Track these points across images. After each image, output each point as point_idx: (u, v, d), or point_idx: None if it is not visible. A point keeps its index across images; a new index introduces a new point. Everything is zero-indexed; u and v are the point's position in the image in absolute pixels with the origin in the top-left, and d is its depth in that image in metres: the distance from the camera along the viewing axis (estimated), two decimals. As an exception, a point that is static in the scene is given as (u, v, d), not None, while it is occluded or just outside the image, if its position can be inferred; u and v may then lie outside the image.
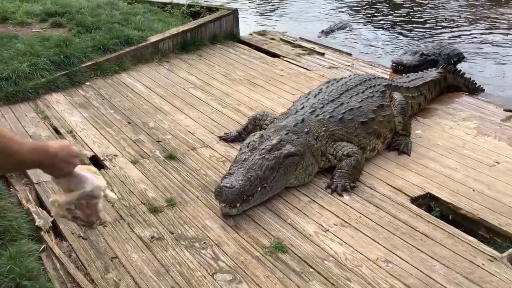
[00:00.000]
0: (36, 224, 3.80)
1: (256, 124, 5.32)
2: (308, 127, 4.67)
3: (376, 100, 5.21)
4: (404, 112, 5.43)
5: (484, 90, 7.39)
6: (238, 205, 3.92)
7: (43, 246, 3.58)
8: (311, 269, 3.49)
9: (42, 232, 3.74)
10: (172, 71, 7.52)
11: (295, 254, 3.63)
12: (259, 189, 4.05)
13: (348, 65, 7.89)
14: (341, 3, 13.99)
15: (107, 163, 4.80)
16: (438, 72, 6.61)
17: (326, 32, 10.94)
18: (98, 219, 2.14)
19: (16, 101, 5.92)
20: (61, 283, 3.29)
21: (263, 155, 4.22)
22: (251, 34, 9.59)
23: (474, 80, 7.26)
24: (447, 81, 6.80)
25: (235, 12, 9.28)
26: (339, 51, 8.83)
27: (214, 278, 3.38)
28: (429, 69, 6.83)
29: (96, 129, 5.51)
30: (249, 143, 4.41)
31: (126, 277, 3.39)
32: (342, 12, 13.16)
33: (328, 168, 4.74)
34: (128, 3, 9.90)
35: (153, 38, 8.03)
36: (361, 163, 4.71)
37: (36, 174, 4.47)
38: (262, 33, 9.64)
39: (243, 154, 4.28)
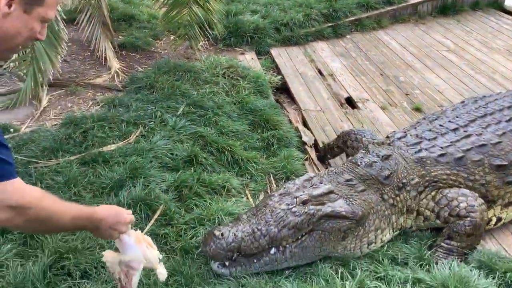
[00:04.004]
0: (303, 139, 4.74)
1: (346, 145, 4.01)
2: (392, 168, 3.24)
3: None
4: None
5: None
6: (227, 263, 2.85)
7: (306, 156, 4.49)
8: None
9: (306, 146, 4.65)
10: (427, 32, 7.69)
11: None
12: (272, 252, 2.88)
13: None
14: None
15: (359, 105, 5.47)
16: None
17: None
18: None
19: (290, 44, 7.05)
20: (318, 185, 4.15)
21: (291, 207, 2.97)
22: (518, 3, 8.86)
23: None
24: None
25: (506, -22, 8.67)
26: None
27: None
28: None
29: (352, 76, 6.22)
30: (286, 185, 3.24)
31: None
32: None
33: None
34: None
35: (413, 0, 8.22)
36: (483, 226, 3.19)
37: (303, 102, 5.46)
38: (534, 2, 8.78)
39: (269, 198, 3.14)
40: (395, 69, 6.39)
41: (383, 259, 3.03)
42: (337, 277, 2.82)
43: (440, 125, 3.65)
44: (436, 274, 2.80)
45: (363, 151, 3.48)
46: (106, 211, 2.14)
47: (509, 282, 2.84)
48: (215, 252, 2.79)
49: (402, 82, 6.03)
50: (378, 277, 2.86)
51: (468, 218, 3.11)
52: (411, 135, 3.57)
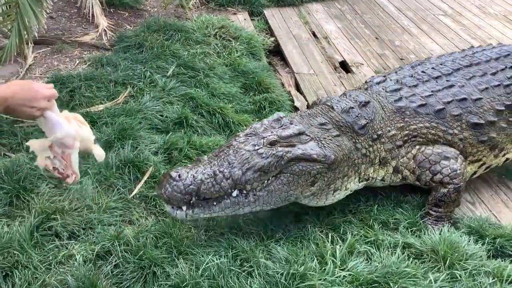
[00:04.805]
0: (295, 104, 4.66)
1: None
2: (368, 118, 3.06)
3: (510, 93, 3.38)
4: None
5: None
6: (184, 208, 2.61)
7: (298, 120, 4.42)
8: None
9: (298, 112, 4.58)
10: (424, -4, 7.57)
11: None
12: (234, 194, 2.67)
13: None
14: None
15: (354, 69, 5.37)
16: None
17: None
18: (74, 174, 2.02)
19: (284, 5, 6.85)
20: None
21: (257, 148, 2.74)
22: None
23: None
24: None
25: None
26: None
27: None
28: None
29: (347, 39, 6.08)
30: (253, 125, 3.00)
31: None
32: None
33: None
34: None
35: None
36: (464, 186, 3.16)
37: (296, 65, 5.35)
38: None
39: (234, 139, 2.89)
40: (390, 33, 6.27)
41: (373, 224, 3.02)
42: (328, 241, 2.81)
43: (423, 71, 3.46)
44: (426, 239, 2.81)
45: (340, 95, 3.30)
46: (13, 87, 1.88)
47: (498, 248, 2.86)
48: (171, 195, 2.53)
49: (398, 46, 5.93)
50: (368, 241, 2.86)
51: (452, 186, 3.04)
52: (391, 80, 3.39)
